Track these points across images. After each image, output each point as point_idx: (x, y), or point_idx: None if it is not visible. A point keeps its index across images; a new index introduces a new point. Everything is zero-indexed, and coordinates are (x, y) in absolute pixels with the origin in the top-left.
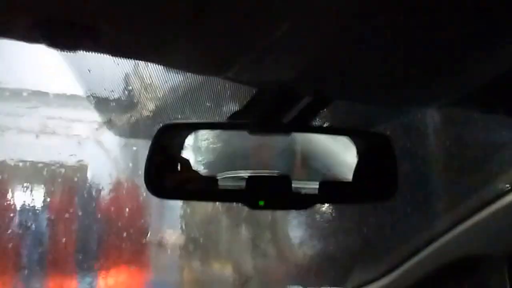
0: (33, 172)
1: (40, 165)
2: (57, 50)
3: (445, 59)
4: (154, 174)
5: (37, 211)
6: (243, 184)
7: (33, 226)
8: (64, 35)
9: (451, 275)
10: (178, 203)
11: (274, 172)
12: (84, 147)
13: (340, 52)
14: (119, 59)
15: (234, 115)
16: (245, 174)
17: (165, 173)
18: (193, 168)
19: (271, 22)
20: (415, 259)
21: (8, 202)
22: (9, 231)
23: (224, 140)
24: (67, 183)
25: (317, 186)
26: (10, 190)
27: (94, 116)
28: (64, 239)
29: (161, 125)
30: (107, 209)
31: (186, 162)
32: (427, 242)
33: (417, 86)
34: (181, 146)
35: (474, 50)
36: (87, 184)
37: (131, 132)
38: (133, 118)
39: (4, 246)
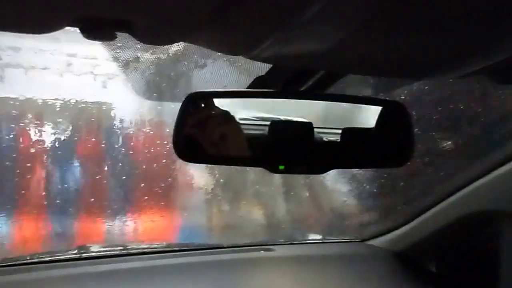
0: (57, 111)
1: (65, 103)
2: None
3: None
4: (182, 140)
5: (63, 152)
6: (265, 129)
7: (58, 167)
8: (101, 30)
9: (465, 229)
10: None
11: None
12: (111, 86)
13: (367, 29)
14: None
15: (257, 80)
16: (267, 117)
17: (192, 139)
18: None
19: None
20: (431, 212)
21: (32, 142)
22: (35, 171)
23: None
24: (92, 123)
25: (340, 132)
26: (33, 129)
27: (121, 54)
28: (90, 181)
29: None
30: (134, 150)
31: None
32: (443, 196)
33: (432, 60)
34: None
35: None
36: (114, 124)
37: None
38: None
39: (30, 187)
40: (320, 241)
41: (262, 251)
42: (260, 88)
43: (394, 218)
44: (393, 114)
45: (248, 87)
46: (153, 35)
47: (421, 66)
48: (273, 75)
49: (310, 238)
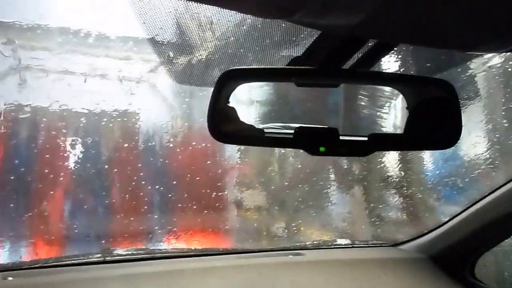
0: (83, 118)
1: (90, 111)
2: None
3: None
4: (216, 118)
5: (84, 162)
6: (290, 136)
7: (82, 176)
8: None
9: (500, 232)
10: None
11: (322, 126)
12: (137, 92)
13: None
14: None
15: (294, 61)
16: (292, 126)
17: (226, 118)
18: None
19: None
20: (464, 215)
21: (55, 151)
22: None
23: (270, 93)
24: (119, 131)
25: (366, 139)
26: (58, 138)
27: (147, 59)
28: (118, 192)
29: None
30: (164, 159)
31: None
32: (477, 198)
33: (486, 30)
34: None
35: None
36: (141, 132)
37: (187, 77)
38: (189, 62)
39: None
40: (350, 245)
41: (291, 255)
42: (300, 65)
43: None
44: (439, 93)
45: (288, 65)
46: None
47: (467, 36)
48: (311, 54)
49: (339, 242)
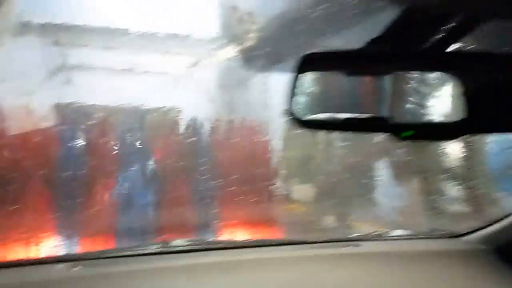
0: (132, 115)
1: (136, 107)
2: None
3: None
4: (298, 105)
5: (136, 158)
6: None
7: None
8: None
9: None
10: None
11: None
12: (180, 87)
13: None
14: None
15: (369, 45)
16: (340, 116)
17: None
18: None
19: None
20: None
21: (107, 148)
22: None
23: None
24: (166, 126)
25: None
26: (99, 135)
27: (189, 54)
28: (171, 186)
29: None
30: (213, 153)
31: None
32: None
33: None
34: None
35: None
36: (184, 128)
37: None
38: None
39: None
40: (409, 236)
41: (348, 246)
42: (375, 48)
43: (491, 212)
44: None
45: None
46: None
47: None
48: (391, 34)
49: (397, 233)
